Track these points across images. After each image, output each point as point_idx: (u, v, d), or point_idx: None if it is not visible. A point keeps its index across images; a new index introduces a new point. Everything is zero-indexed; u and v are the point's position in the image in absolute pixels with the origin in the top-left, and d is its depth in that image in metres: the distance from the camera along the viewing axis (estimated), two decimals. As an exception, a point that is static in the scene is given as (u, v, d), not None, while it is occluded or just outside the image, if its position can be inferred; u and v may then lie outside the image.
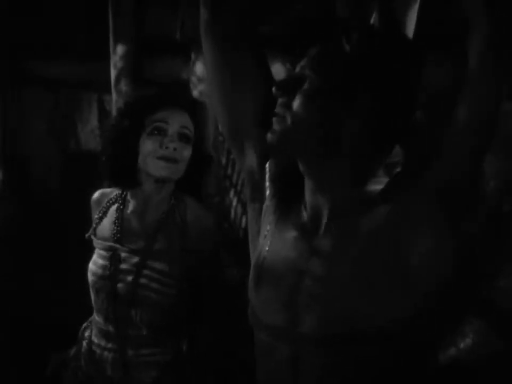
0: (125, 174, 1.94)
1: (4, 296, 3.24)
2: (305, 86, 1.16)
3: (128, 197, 1.99)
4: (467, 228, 1.16)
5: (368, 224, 1.14)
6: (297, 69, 1.20)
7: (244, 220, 2.80)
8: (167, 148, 1.87)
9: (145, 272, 1.86)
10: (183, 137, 1.91)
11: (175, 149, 1.88)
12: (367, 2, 1.37)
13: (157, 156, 1.88)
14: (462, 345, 2.17)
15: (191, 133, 1.93)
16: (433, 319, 1.15)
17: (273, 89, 1.20)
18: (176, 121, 1.91)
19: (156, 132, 1.89)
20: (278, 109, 1.20)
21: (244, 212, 2.75)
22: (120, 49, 2.87)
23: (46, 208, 3.31)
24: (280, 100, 1.20)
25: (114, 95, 2.94)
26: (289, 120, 1.17)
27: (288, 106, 1.18)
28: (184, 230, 1.89)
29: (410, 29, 1.44)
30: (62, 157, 3.31)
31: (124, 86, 2.90)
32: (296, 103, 1.17)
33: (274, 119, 1.20)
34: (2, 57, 3.28)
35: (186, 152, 1.91)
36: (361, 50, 1.15)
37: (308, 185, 1.23)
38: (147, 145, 1.89)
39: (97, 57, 3.01)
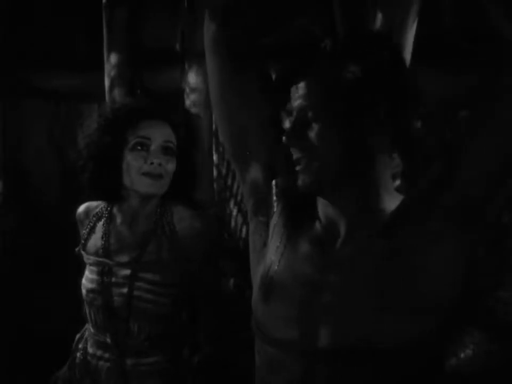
0: (109, 190, 1.92)
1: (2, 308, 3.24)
2: (314, 127, 1.16)
3: (114, 211, 1.98)
4: (476, 242, 1.15)
5: (385, 243, 1.14)
6: (294, 111, 1.19)
7: (244, 230, 2.80)
8: (151, 163, 1.86)
9: (138, 284, 1.86)
10: (166, 151, 1.90)
11: (160, 164, 1.87)
12: (363, 17, 1.38)
13: (142, 172, 1.86)
14: (462, 355, 2.17)
15: (174, 145, 1.92)
16: (444, 334, 1.15)
17: (283, 139, 1.20)
18: (159, 136, 1.89)
19: (138, 148, 1.88)
20: (296, 155, 1.19)
21: (244, 221, 2.75)
22: (113, 58, 2.87)
23: (45, 219, 3.30)
24: (293, 148, 1.19)
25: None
26: (315, 164, 1.17)
27: (304, 149, 1.17)
28: (174, 238, 1.88)
29: (409, 39, 1.44)
30: (62, 168, 3.31)
31: (117, 96, 2.90)
32: (315, 146, 1.16)
33: (298, 167, 1.19)
34: (2, 68, 3.29)
35: (171, 166, 1.90)
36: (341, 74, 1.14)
37: (322, 201, 1.23)
38: (131, 161, 1.87)
39: (97, 68, 3.01)
